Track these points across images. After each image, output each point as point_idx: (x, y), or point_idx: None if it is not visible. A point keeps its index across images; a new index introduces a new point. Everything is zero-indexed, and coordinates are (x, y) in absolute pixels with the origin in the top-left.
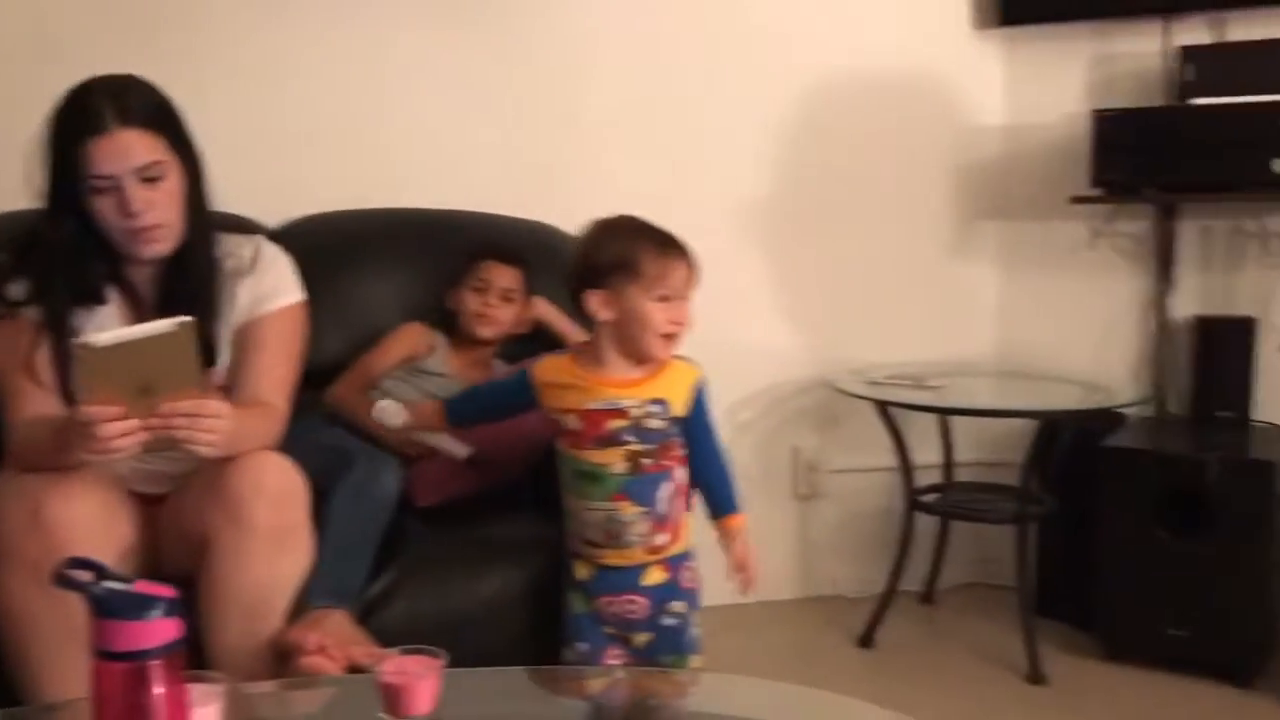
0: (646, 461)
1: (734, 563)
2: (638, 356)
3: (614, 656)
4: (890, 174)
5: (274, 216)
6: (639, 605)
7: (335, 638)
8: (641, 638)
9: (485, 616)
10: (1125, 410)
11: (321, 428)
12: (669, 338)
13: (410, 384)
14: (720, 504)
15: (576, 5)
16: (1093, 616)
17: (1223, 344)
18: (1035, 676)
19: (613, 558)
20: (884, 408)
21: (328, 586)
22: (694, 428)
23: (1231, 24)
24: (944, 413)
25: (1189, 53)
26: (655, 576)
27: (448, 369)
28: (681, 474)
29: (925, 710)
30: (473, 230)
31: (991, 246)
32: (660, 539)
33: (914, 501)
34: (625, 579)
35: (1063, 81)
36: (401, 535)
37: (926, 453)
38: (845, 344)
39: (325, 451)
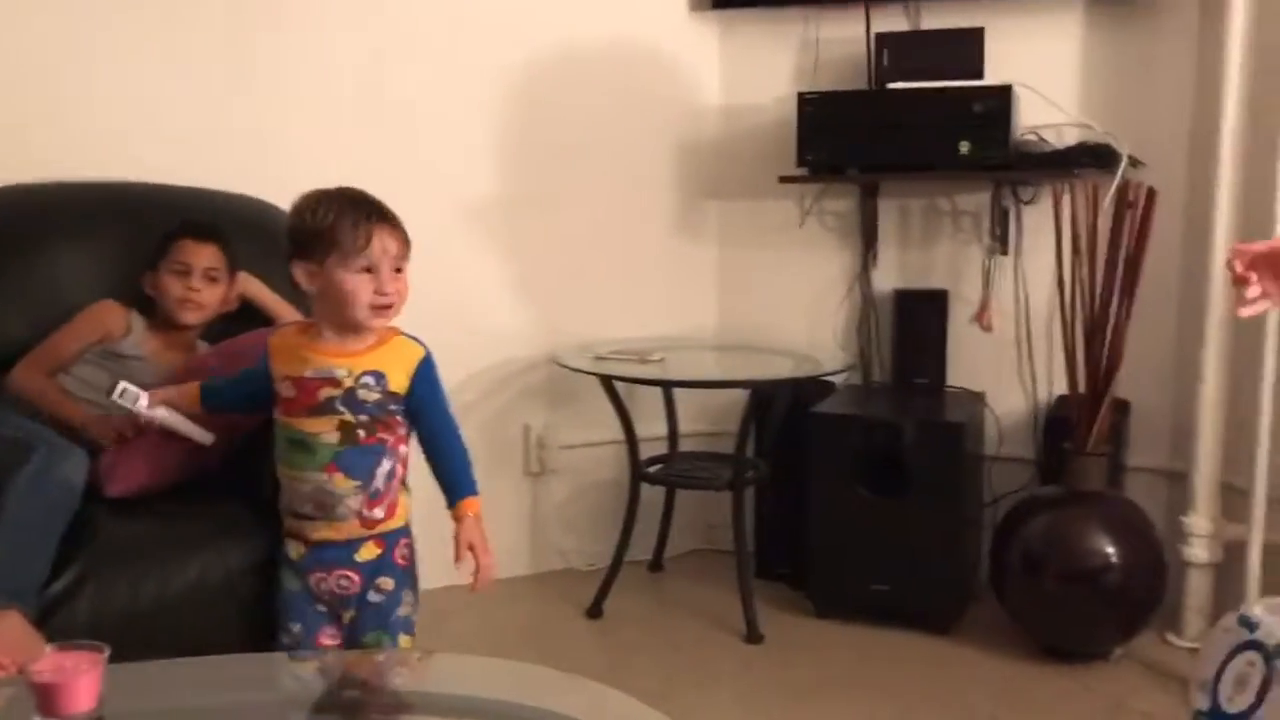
0: (360, 433)
1: (461, 549)
2: (350, 328)
3: (329, 636)
4: (613, 154)
5: None
6: (352, 581)
7: (4, 641)
8: (350, 613)
9: (185, 607)
10: (833, 378)
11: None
12: (378, 309)
13: (103, 367)
14: (451, 487)
15: None
16: (806, 576)
17: (919, 315)
18: (752, 636)
19: (325, 531)
20: (608, 382)
21: None
22: (422, 407)
23: (926, 13)
24: (663, 385)
25: (885, 39)
26: (369, 552)
27: (144, 351)
28: (402, 451)
29: (649, 677)
30: (170, 204)
31: (712, 224)
32: (375, 513)
33: (639, 473)
34: (338, 555)
35: (774, 64)
36: (89, 527)
37: (654, 425)
38: (573, 321)
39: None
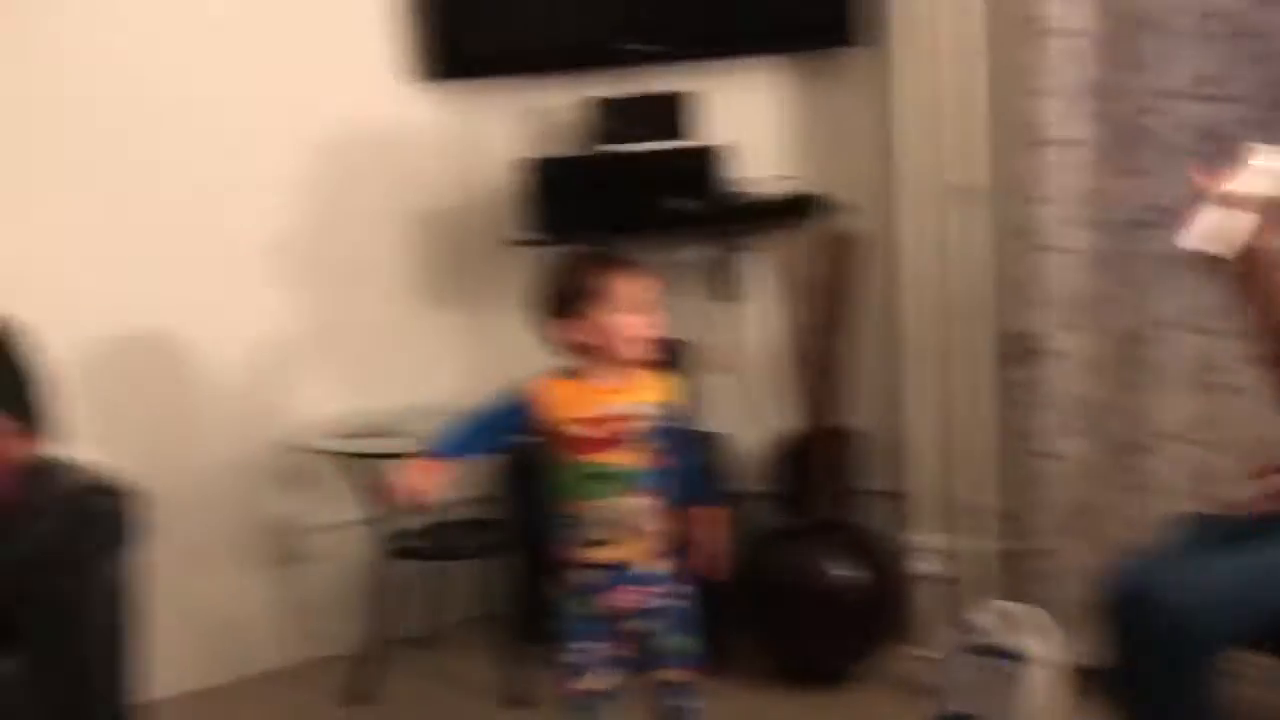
0: (648, 458)
1: (700, 548)
2: (617, 366)
3: (617, 649)
4: (349, 228)
5: None
6: (638, 595)
7: None
8: (639, 624)
9: None
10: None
11: None
12: (636, 344)
13: None
14: (693, 494)
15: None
16: None
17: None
18: (516, 700)
19: (616, 553)
20: (352, 460)
21: None
22: (674, 430)
23: (641, 79)
24: (399, 458)
25: (598, 104)
26: (645, 566)
27: None
28: (666, 471)
29: None
30: None
31: (452, 292)
32: (655, 527)
33: (389, 549)
34: (620, 574)
35: (497, 132)
36: None
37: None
38: (313, 400)
39: None
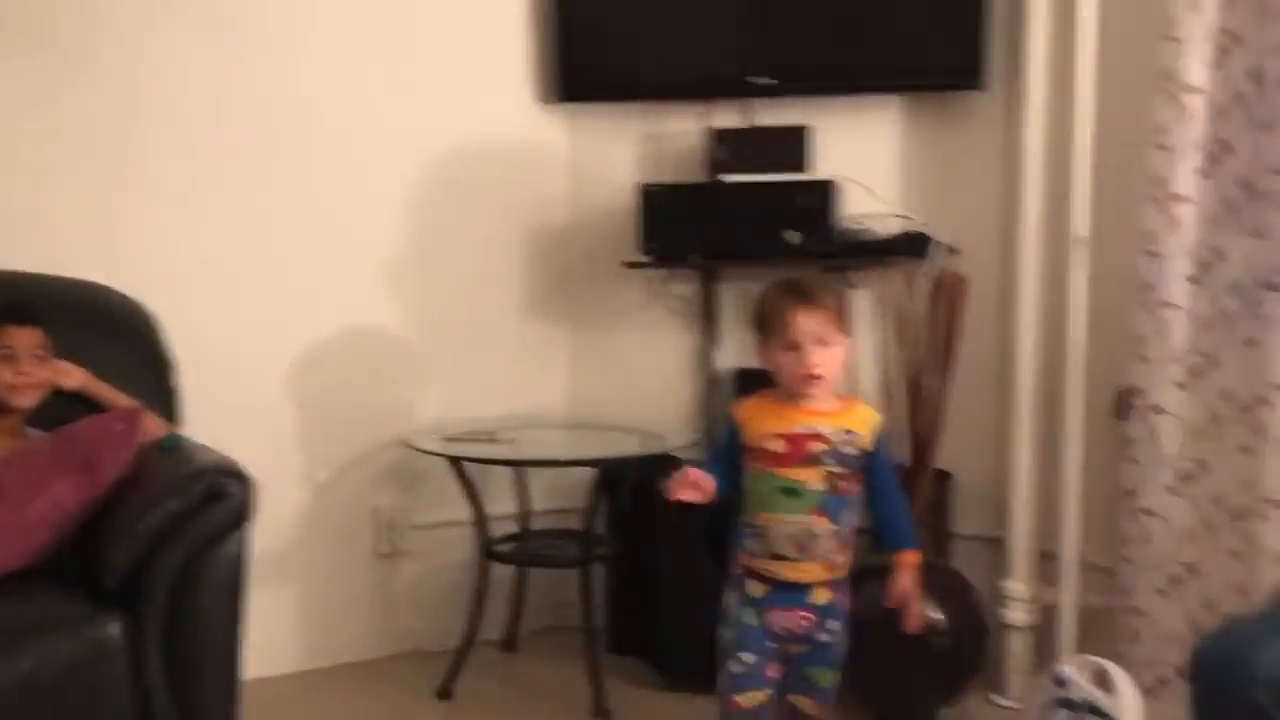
0: (841, 484)
1: (896, 594)
2: (797, 396)
3: (774, 669)
4: (466, 241)
5: None
6: (810, 621)
7: None
8: (799, 648)
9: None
10: (679, 454)
11: None
12: (806, 379)
13: None
14: (896, 537)
15: (132, 50)
16: (657, 650)
17: (762, 384)
18: (600, 711)
19: (793, 573)
20: (456, 463)
21: None
22: (878, 463)
23: (759, 110)
24: (509, 464)
25: (720, 134)
26: (823, 596)
27: None
28: (858, 504)
29: None
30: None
31: (561, 308)
32: (840, 558)
33: (488, 551)
34: (799, 596)
35: (617, 156)
36: None
37: (506, 504)
38: (426, 403)
39: None
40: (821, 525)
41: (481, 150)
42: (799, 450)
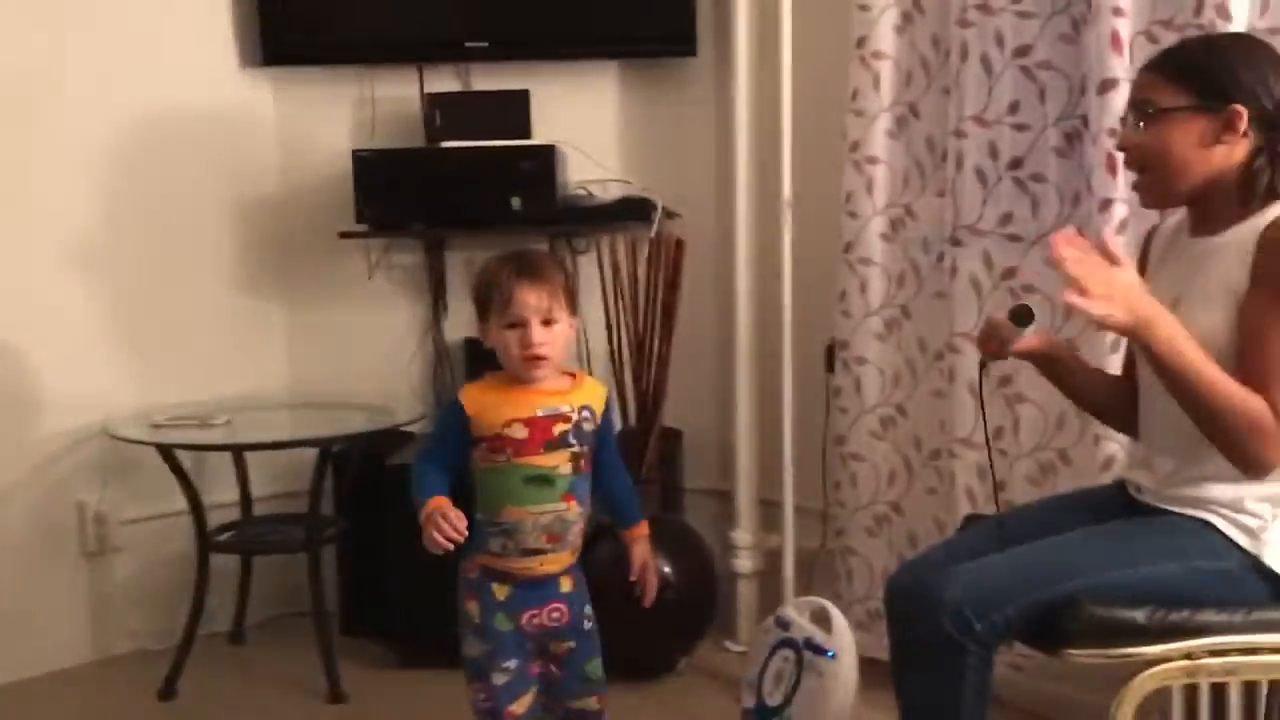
0: (583, 463)
1: (639, 568)
2: (520, 378)
3: (537, 669)
4: (168, 213)
5: None
6: (563, 613)
7: None
8: (564, 645)
9: None
10: (409, 428)
11: None
12: (529, 360)
13: None
14: (629, 513)
15: None
16: (390, 629)
17: (491, 363)
18: (335, 696)
19: (536, 567)
20: (167, 451)
21: None
22: (605, 438)
23: (476, 75)
24: (222, 449)
25: (436, 99)
26: (568, 584)
27: None
28: (588, 478)
29: None
30: None
31: (276, 281)
32: (580, 540)
33: (207, 541)
34: (547, 590)
35: (330, 122)
36: None
37: (228, 491)
38: (130, 388)
39: None
40: (573, 510)
41: (182, 117)
42: (544, 434)
